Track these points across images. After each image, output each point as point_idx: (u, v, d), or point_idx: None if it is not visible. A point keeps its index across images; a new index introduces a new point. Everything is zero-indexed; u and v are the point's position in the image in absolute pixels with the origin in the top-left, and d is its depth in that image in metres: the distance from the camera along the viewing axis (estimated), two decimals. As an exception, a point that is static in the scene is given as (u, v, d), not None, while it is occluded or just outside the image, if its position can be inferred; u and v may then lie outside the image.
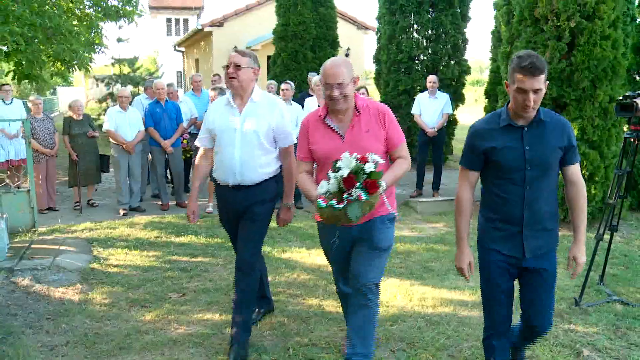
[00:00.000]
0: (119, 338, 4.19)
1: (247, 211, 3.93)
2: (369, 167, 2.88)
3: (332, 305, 4.78)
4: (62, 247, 6.32)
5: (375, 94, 14.52)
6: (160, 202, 8.99)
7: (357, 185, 2.87)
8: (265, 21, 15.71)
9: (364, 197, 2.84)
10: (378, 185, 2.88)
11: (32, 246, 6.30)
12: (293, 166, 3.91)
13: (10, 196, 7.05)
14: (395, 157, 3.35)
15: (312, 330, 4.31)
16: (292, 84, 8.80)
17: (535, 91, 2.77)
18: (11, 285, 5.19)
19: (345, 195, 2.87)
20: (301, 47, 12.50)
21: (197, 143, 4.20)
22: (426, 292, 5.14)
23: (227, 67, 3.87)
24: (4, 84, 10.14)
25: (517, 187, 2.93)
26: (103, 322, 4.49)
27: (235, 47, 19.03)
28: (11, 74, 13.49)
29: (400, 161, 3.32)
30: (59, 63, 14.11)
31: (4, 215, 6.13)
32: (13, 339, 4.16)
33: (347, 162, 2.90)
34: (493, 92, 10.82)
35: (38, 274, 5.45)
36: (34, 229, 7.14)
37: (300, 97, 9.26)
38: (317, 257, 6.12)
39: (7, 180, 8.20)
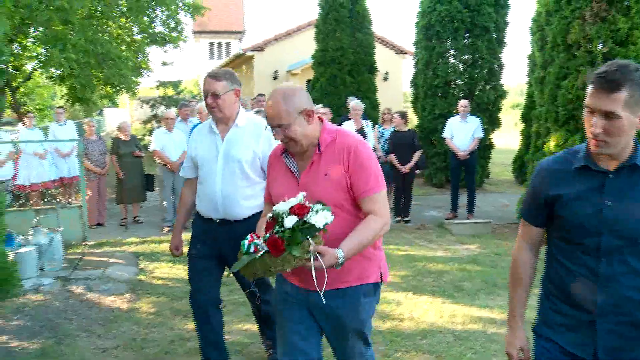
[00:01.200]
0: (164, 344, 4.51)
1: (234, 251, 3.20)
2: (290, 222, 2.25)
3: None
4: (111, 260, 6.72)
5: (413, 118, 14.76)
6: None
7: (265, 236, 2.33)
8: (305, 46, 16.13)
9: (259, 254, 2.29)
10: (285, 248, 2.23)
11: (84, 258, 6.75)
12: None
13: (65, 211, 7.52)
14: (366, 213, 2.51)
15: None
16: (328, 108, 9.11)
17: (607, 115, 1.92)
18: (66, 293, 5.60)
19: (256, 241, 2.33)
20: (339, 72, 12.84)
21: (180, 173, 3.93)
22: (456, 310, 5.30)
23: (205, 96, 3.43)
24: (58, 107, 10.75)
25: (589, 259, 2.05)
26: (149, 329, 4.82)
27: (276, 71, 19.52)
28: (65, 97, 14.18)
29: (369, 219, 2.47)
30: (108, 86, 14.79)
31: (60, 229, 6.58)
32: (70, 340, 4.54)
33: (282, 206, 2.33)
34: (529, 116, 10.95)
35: (90, 283, 5.84)
36: (84, 242, 7.58)
37: (340, 121, 9.56)
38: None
39: (60, 197, 8.71)
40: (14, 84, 14.44)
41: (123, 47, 14.94)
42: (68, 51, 11.19)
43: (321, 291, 2.34)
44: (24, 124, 10.39)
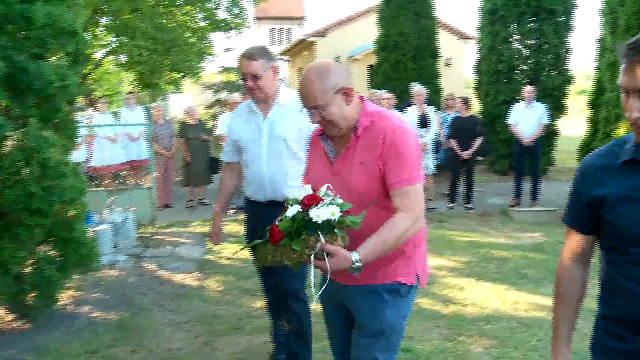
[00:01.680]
0: (232, 320, 4.69)
1: None
2: (291, 212, 2.07)
3: (428, 303, 5.03)
4: (180, 239, 7.01)
5: (475, 104, 14.56)
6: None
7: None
8: (367, 31, 16.12)
9: (262, 240, 2.16)
10: (283, 239, 2.05)
11: (155, 237, 7.06)
12: None
13: (136, 192, 7.86)
14: (395, 207, 2.19)
15: (408, 324, 4.49)
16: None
17: None
18: (140, 270, 5.90)
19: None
20: (402, 58, 12.77)
21: (222, 157, 3.75)
22: (520, 297, 5.28)
23: (243, 78, 3.28)
24: (128, 92, 11.15)
25: None
26: (218, 306, 5.02)
27: (338, 57, 19.57)
28: (134, 83, 14.68)
29: (396, 216, 2.16)
30: (174, 72, 15.22)
31: (133, 208, 6.90)
32: (144, 314, 4.80)
33: (298, 193, 2.16)
34: (597, 102, 10.65)
35: (161, 261, 6.12)
36: (153, 223, 7.90)
37: (403, 106, 9.57)
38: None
39: (130, 179, 9.09)
40: (85, 71, 15.05)
41: (188, 34, 15.32)
42: (137, 39, 11.58)
43: (316, 295, 2.15)
44: (96, 109, 10.85)
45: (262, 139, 3.33)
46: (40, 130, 4.22)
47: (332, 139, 2.38)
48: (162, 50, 12.99)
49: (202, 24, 16.01)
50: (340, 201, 2.07)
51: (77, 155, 9.05)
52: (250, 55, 3.21)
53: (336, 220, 2.01)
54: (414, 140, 2.26)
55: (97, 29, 14.77)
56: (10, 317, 4.66)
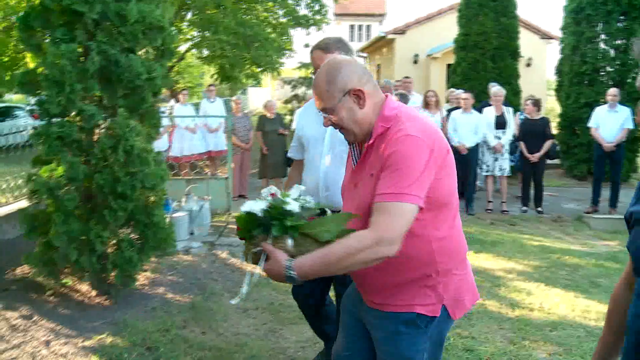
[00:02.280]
0: (299, 310, 4.80)
1: None
2: (248, 205, 1.94)
3: (494, 306, 5.01)
4: (253, 230, 7.23)
5: (556, 106, 14.13)
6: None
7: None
8: (446, 30, 15.93)
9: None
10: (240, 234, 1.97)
11: (228, 226, 7.31)
12: None
13: (213, 182, 8.16)
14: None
15: (473, 325, 4.58)
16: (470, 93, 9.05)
17: None
18: (213, 256, 6.15)
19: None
20: (481, 57, 12.58)
21: (288, 153, 3.50)
22: (590, 305, 5.15)
23: (314, 72, 2.85)
24: (209, 85, 11.54)
25: None
26: (286, 295, 5.16)
27: (416, 55, 19.47)
28: (215, 76, 15.15)
29: (354, 234, 1.87)
30: (254, 66, 15.60)
31: (209, 197, 7.17)
32: (215, 298, 5.02)
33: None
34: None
35: (233, 249, 6.35)
36: (228, 212, 8.17)
37: (481, 106, 9.45)
38: (484, 261, 6.35)
39: (207, 169, 9.43)
40: (169, 64, 15.65)
41: (269, 30, 15.64)
42: (219, 33, 11.96)
43: (241, 294, 2.00)
44: (177, 100, 11.29)
45: (325, 139, 3.04)
46: (127, 120, 4.50)
47: (359, 145, 2.10)
48: (243, 45, 13.35)
49: (283, 20, 16.31)
50: (311, 204, 1.97)
51: (159, 145, 9.52)
52: (325, 46, 2.91)
53: (284, 220, 1.87)
54: (424, 153, 1.87)
55: (182, 24, 15.33)
56: (93, 292, 4.99)
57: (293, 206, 1.91)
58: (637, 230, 1.47)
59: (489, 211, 8.95)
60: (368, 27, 38.03)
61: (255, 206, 1.91)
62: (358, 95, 1.97)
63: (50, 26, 4.50)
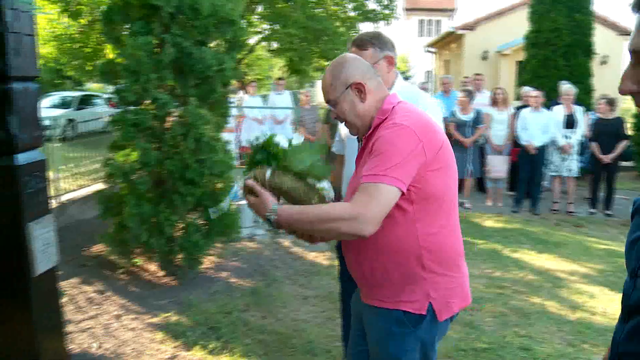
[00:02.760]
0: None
1: None
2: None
3: (555, 307, 4.94)
4: (315, 220, 7.37)
5: (632, 106, 13.58)
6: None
7: None
8: (517, 26, 15.58)
9: None
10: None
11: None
12: None
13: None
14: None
15: (531, 325, 4.54)
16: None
17: None
18: (275, 245, 6.32)
19: None
20: (552, 54, 12.24)
21: (332, 148, 3.43)
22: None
23: None
24: (279, 78, 11.76)
25: None
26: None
27: (486, 52, 19.13)
28: (283, 69, 15.39)
29: (337, 203, 1.99)
30: (322, 60, 15.76)
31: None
32: (276, 285, 5.17)
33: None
34: None
35: (296, 238, 6.49)
36: (292, 203, 8.36)
37: (550, 105, 9.23)
38: (546, 261, 6.25)
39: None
40: (239, 56, 16.01)
41: (337, 23, 15.74)
42: (289, 27, 12.15)
43: (213, 210, 2.12)
44: (246, 92, 11.55)
45: None
46: (197, 109, 4.70)
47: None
48: (312, 39, 13.53)
49: (352, 14, 16.36)
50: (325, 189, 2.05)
51: (227, 134, 9.80)
52: (360, 42, 2.84)
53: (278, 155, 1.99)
54: (410, 141, 1.91)
55: (252, 17, 15.63)
56: (161, 273, 5.24)
57: (281, 141, 2.03)
58: None
59: (554, 212, 8.75)
60: (438, 22, 37.58)
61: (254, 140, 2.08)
62: (359, 89, 2.05)
63: (129, 20, 4.75)
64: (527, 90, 9.28)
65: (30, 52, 2.49)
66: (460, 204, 8.75)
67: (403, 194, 1.88)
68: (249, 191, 2.03)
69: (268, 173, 2.00)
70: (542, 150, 8.50)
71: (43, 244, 2.65)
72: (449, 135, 8.74)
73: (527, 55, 13.11)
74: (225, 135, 8.15)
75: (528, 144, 8.38)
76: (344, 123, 2.15)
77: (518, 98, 10.51)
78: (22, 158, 2.53)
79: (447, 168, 2.02)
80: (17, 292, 2.62)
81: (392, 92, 2.63)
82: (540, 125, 8.41)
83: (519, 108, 9.15)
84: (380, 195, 1.84)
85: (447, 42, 23.95)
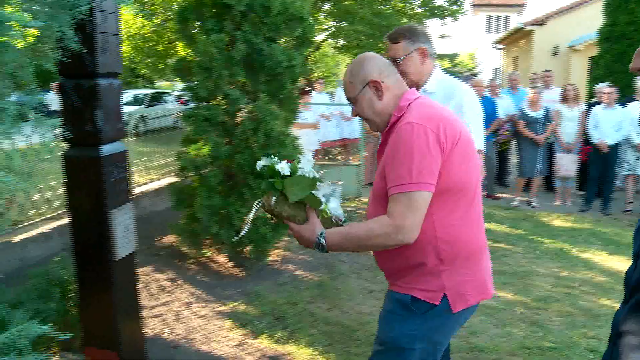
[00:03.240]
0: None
1: None
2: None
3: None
4: (380, 216, 7.39)
5: None
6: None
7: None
8: (589, 20, 15.08)
9: None
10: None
11: (358, 211, 7.52)
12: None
13: (345, 169, 8.41)
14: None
15: (600, 327, 4.40)
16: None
17: None
18: (341, 239, 6.38)
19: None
20: (628, 49, 11.75)
21: None
22: None
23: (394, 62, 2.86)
24: (317, 78, 11.77)
25: None
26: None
27: (556, 47, 18.60)
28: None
29: (376, 219, 2.01)
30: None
31: (341, 183, 7.41)
32: (342, 279, 5.24)
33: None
34: None
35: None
36: (358, 198, 8.39)
37: (625, 101, 8.90)
38: (617, 262, 6.06)
39: (340, 156, 9.69)
40: (306, 53, 16.16)
41: (404, 20, 15.66)
42: (356, 23, 12.17)
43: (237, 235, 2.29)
44: (314, 88, 11.65)
45: None
46: (267, 104, 4.82)
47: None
48: (378, 35, 13.50)
49: (419, 10, 16.23)
50: (311, 174, 2.16)
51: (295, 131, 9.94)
52: (392, 36, 2.89)
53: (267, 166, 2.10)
54: (424, 137, 1.93)
55: (319, 14, 15.75)
56: (229, 264, 5.40)
57: (284, 168, 2.10)
58: None
59: (627, 212, 8.41)
60: (506, 17, 36.72)
61: (260, 162, 2.17)
62: (376, 87, 2.09)
63: (202, 18, 4.92)
64: (600, 86, 8.96)
65: (115, 50, 2.64)
66: (528, 203, 8.60)
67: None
68: (277, 216, 2.18)
69: (273, 200, 2.10)
70: (615, 148, 8.20)
71: (124, 230, 2.80)
72: (518, 134, 8.58)
73: (600, 50, 12.66)
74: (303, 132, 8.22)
75: (600, 142, 8.10)
76: (364, 120, 2.21)
77: (590, 95, 10.17)
78: (105, 149, 2.68)
79: (466, 160, 2.03)
80: (99, 275, 2.78)
81: (427, 84, 2.87)
82: (614, 123, 8.11)
83: (590, 105, 8.86)
84: (414, 203, 1.90)
85: (516, 38, 23.41)
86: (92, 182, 2.63)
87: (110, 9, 2.55)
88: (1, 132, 1.43)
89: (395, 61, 2.82)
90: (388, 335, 2.15)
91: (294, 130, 8.13)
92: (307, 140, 9.80)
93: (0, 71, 1.61)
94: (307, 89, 9.13)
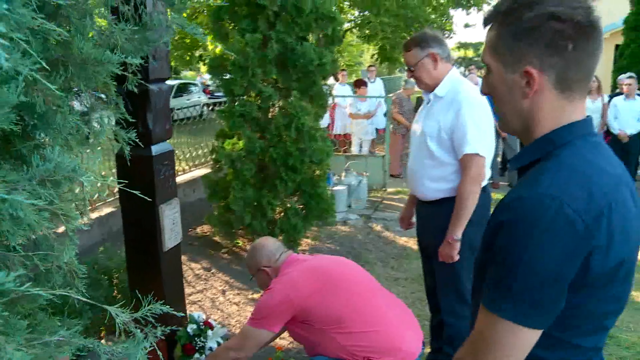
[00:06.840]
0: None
1: (429, 243, 3.25)
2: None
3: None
4: (405, 207, 7.57)
5: None
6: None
7: None
8: (616, 8, 14.94)
9: None
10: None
11: (383, 202, 7.72)
12: (466, 185, 2.86)
13: (371, 159, 8.59)
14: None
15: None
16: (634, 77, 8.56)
17: None
18: (368, 229, 6.58)
19: None
20: (655, 38, 11.72)
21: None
22: None
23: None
24: (370, 65, 11.94)
25: None
26: (435, 270, 5.46)
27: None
28: (375, 56, 15.55)
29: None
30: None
31: (367, 174, 7.61)
32: (369, 267, 5.43)
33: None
34: None
35: (387, 223, 6.74)
36: (384, 189, 8.57)
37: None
38: None
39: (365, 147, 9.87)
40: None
41: (429, 10, 15.70)
42: (381, 15, 12.28)
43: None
44: (337, 79, 11.79)
45: (418, 130, 3.10)
46: (299, 101, 5.03)
47: None
48: (403, 26, 13.60)
49: (443, 0, 16.25)
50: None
51: (321, 122, 10.10)
52: (405, 45, 3.04)
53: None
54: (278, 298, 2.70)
55: (343, 3, 15.85)
56: (262, 253, 5.63)
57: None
58: None
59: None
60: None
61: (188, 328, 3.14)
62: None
63: (236, 18, 5.13)
64: (621, 77, 9.00)
65: (164, 57, 2.86)
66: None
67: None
68: None
69: None
70: (636, 138, 8.24)
71: (172, 223, 3.04)
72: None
73: (626, 39, 12.58)
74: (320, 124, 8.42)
75: (620, 132, 8.15)
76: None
77: (615, 86, 10.16)
78: (155, 149, 2.91)
79: (328, 295, 2.68)
80: (151, 265, 3.03)
81: (437, 90, 2.98)
82: (635, 113, 8.16)
83: (612, 96, 8.89)
84: (252, 336, 2.74)
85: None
86: (144, 180, 2.86)
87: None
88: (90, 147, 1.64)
89: (409, 69, 3.01)
90: None
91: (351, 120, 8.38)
92: (362, 130, 10.02)
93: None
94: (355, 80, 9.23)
